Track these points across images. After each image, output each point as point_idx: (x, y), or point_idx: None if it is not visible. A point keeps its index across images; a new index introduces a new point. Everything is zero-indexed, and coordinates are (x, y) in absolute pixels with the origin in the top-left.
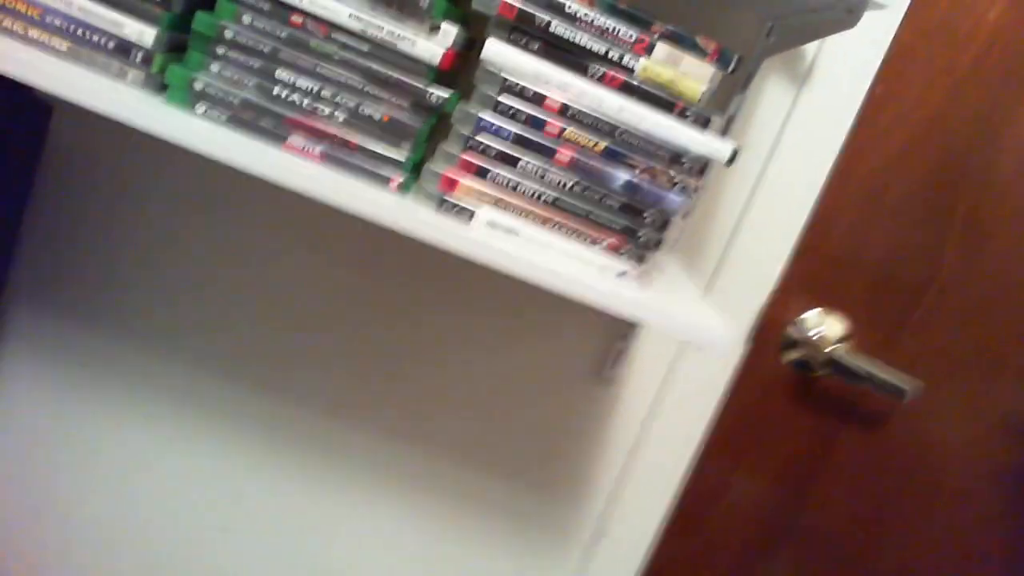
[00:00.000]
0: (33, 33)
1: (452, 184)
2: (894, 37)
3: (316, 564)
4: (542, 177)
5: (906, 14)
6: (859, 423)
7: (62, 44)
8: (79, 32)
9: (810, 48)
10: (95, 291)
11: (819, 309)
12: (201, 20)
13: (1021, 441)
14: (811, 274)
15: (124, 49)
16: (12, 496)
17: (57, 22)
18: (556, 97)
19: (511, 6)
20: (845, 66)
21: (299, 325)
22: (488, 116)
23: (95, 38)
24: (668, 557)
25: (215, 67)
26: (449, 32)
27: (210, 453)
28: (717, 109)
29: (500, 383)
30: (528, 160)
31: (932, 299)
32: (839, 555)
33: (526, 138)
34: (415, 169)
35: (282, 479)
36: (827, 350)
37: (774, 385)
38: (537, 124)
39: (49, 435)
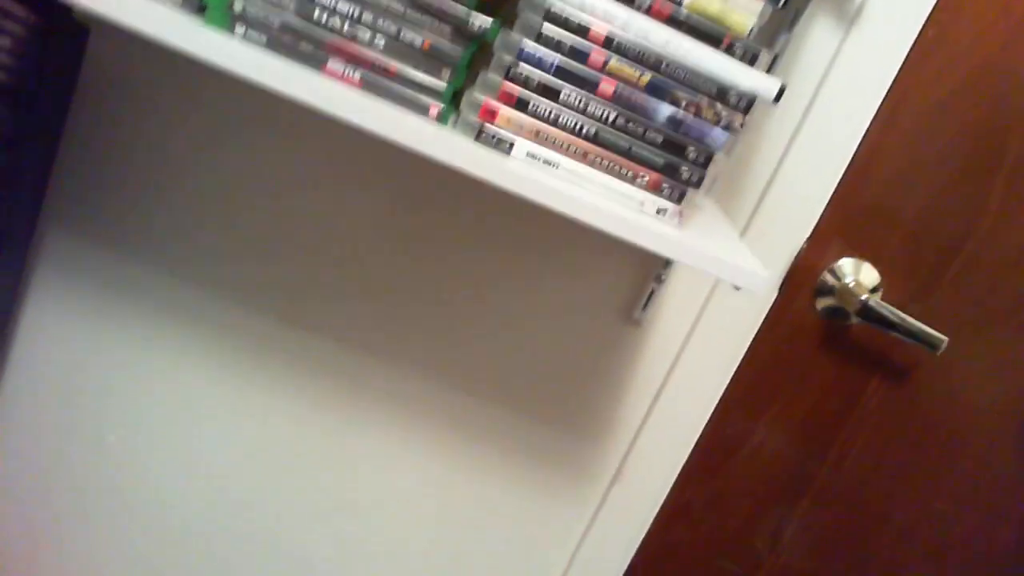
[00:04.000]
0: None
1: (492, 114)
2: None
3: (338, 499)
4: (583, 109)
5: None
6: (886, 375)
7: None
8: None
9: None
10: (128, 215)
11: (854, 257)
12: None
13: None
14: (848, 221)
15: None
16: (38, 424)
17: None
18: (601, 27)
19: None
20: (896, 7)
21: (328, 256)
22: (530, 45)
23: None
24: (684, 502)
25: None
26: None
27: (234, 384)
28: (764, 46)
29: (528, 322)
30: (570, 91)
31: (969, 252)
32: (857, 508)
33: (569, 68)
34: (454, 98)
35: (307, 411)
36: (862, 298)
37: (803, 332)
38: (580, 55)
39: (76, 360)
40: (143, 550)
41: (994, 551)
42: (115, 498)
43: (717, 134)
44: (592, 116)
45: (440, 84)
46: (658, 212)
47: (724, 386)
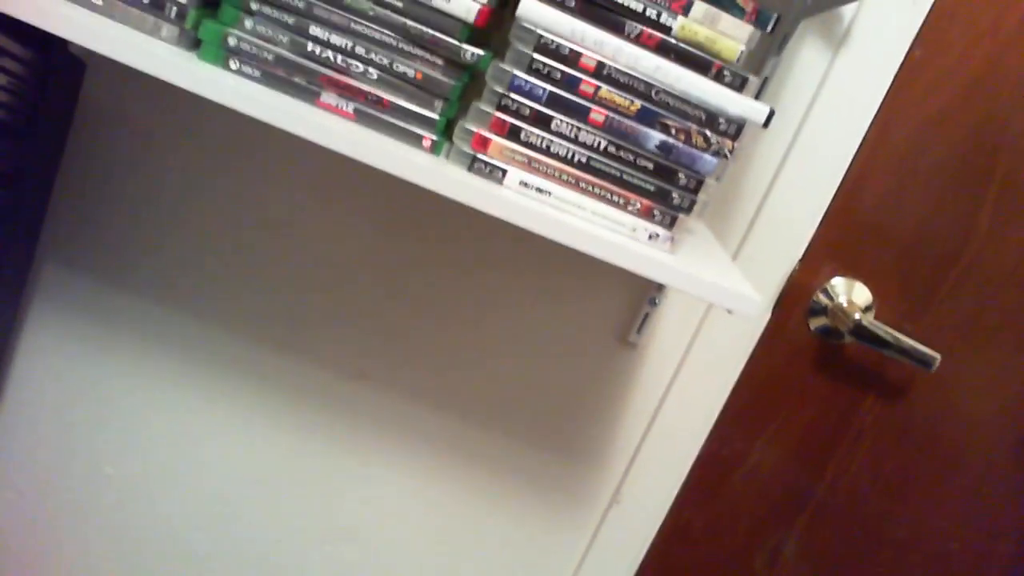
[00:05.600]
0: None
1: (484, 143)
2: None
3: (334, 525)
4: (575, 138)
5: None
6: (882, 393)
7: None
8: None
9: (848, 10)
10: (125, 248)
11: (847, 276)
12: None
13: None
14: (840, 241)
15: (158, 4)
16: (35, 449)
17: None
18: (591, 56)
19: None
20: (883, 28)
21: (324, 284)
22: (522, 75)
23: None
24: (684, 523)
25: (249, 23)
26: None
27: (231, 411)
28: (753, 71)
29: (525, 346)
30: (561, 120)
31: (962, 269)
32: (856, 526)
33: (560, 98)
34: (447, 129)
35: (302, 438)
36: (855, 317)
37: (798, 352)
38: (571, 84)
39: (73, 388)
40: (141, 573)
41: (992, 566)
42: (113, 527)
43: (707, 160)
44: (583, 144)
45: (433, 115)
46: (650, 238)
47: (720, 407)
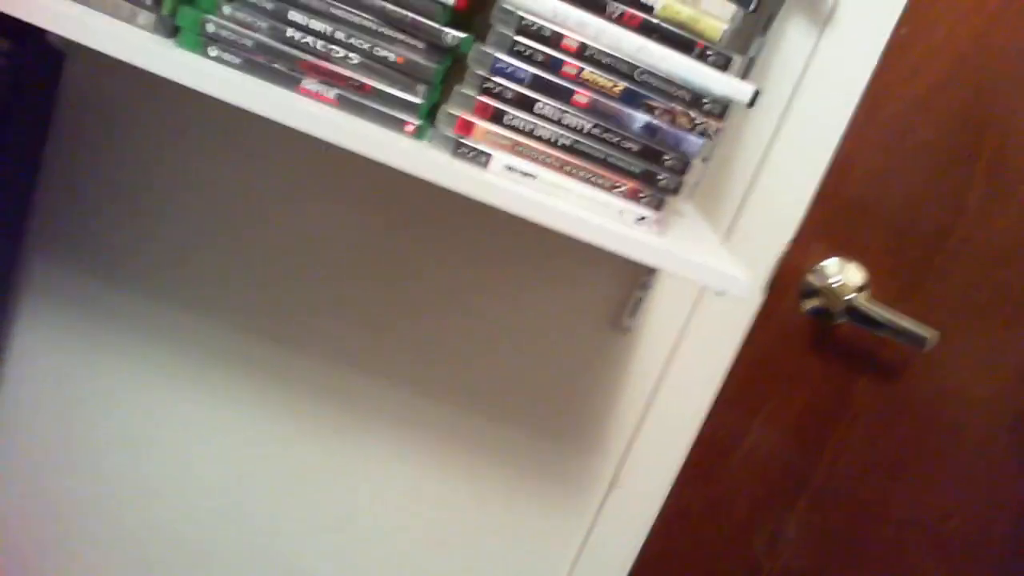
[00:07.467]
0: None
1: (468, 127)
2: None
3: (333, 513)
4: (559, 120)
5: None
6: (876, 372)
7: None
8: None
9: None
10: (110, 238)
11: (838, 257)
12: None
13: None
14: (831, 221)
15: None
16: (31, 447)
17: None
18: (574, 37)
19: None
20: (869, 6)
21: (316, 273)
22: (504, 57)
23: None
24: (682, 507)
25: (227, 9)
26: None
27: (227, 403)
28: (737, 51)
29: (517, 333)
30: (545, 102)
31: (953, 246)
32: (854, 505)
33: (543, 80)
34: (430, 113)
35: (298, 428)
36: (846, 298)
37: (791, 334)
38: (554, 65)
39: (66, 384)
40: (141, 568)
41: (991, 543)
42: (112, 523)
43: (693, 140)
44: (568, 127)
45: (416, 100)
46: (638, 220)
47: (715, 390)
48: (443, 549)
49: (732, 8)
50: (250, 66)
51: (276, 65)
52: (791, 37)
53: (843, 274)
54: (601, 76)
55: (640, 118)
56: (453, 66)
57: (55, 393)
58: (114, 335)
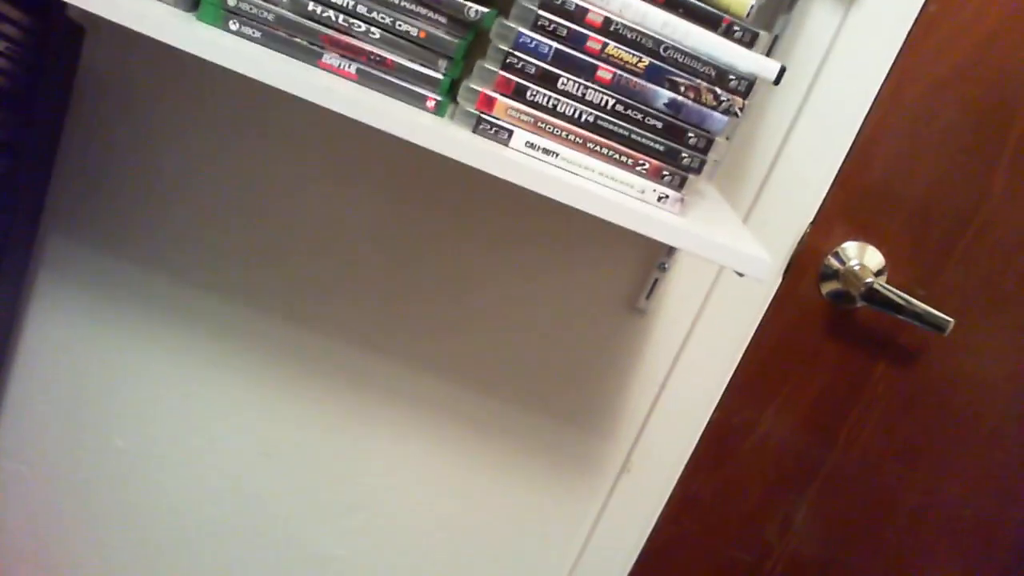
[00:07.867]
0: None
1: (490, 103)
2: None
3: (346, 496)
4: (582, 96)
5: None
6: (894, 358)
7: None
8: None
9: None
10: (129, 216)
11: (859, 240)
12: None
13: None
14: (852, 204)
15: None
16: (45, 422)
17: None
18: (598, 11)
19: None
20: None
21: (332, 254)
22: (527, 32)
23: None
24: (693, 492)
25: None
26: None
27: (243, 384)
28: (763, 28)
29: (533, 313)
30: (568, 78)
31: (975, 231)
32: (868, 492)
33: (566, 55)
34: (452, 89)
35: (312, 409)
36: (867, 281)
37: (809, 317)
38: (577, 41)
39: (81, 361)
40: (152, 551)
41: (1006, 531)
42: (123, 500)
43: (717, 118)
44: (590, 103)
45: (437, 75)
46: (659, 199)
47: (730, 373)
48: (454, 530)
49: None
50: (271, 40)
51: (296, 39)
52: (816, 14)
53: (863, 258)
54: (625, 51)
55: (664, 94)
56: (475, 41)
57: (69, 368)
58: (129, 312)
